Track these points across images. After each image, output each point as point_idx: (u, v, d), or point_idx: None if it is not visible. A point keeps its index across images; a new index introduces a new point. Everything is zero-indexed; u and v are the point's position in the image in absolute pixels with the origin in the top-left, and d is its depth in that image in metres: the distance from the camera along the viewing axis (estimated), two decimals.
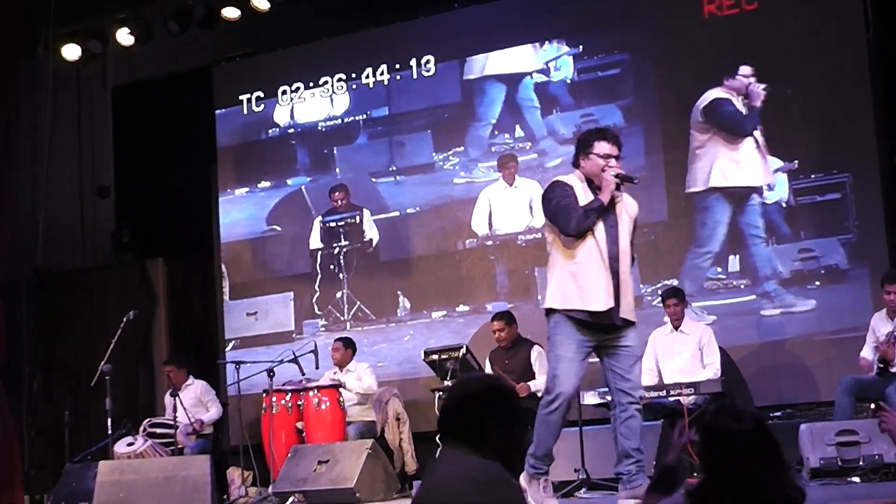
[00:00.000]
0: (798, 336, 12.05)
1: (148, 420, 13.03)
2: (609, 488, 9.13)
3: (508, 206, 13.95)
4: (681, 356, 11.29)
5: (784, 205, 12.29)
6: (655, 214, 12.57)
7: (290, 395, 12.26)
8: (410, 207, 14.47)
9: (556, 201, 8.02)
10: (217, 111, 15.12)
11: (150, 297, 15.26)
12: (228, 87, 15.09)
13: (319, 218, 14.87)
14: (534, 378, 11.67)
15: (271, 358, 12.78)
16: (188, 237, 15.37)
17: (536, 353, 11.84)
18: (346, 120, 14.78)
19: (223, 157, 15.11)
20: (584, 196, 8.02)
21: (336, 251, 14.80)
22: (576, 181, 8.11)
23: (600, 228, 7.95)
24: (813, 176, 12.22)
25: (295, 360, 12.54)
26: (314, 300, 14.84)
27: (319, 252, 14.86)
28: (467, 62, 14.14)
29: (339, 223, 14.81)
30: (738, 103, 12.56)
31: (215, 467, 9.45)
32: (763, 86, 12.45)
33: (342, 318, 14.60)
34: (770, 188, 12.35)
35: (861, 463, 9.08)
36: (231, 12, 13.98)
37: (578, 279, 7.96)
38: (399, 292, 14.40)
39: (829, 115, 12.28)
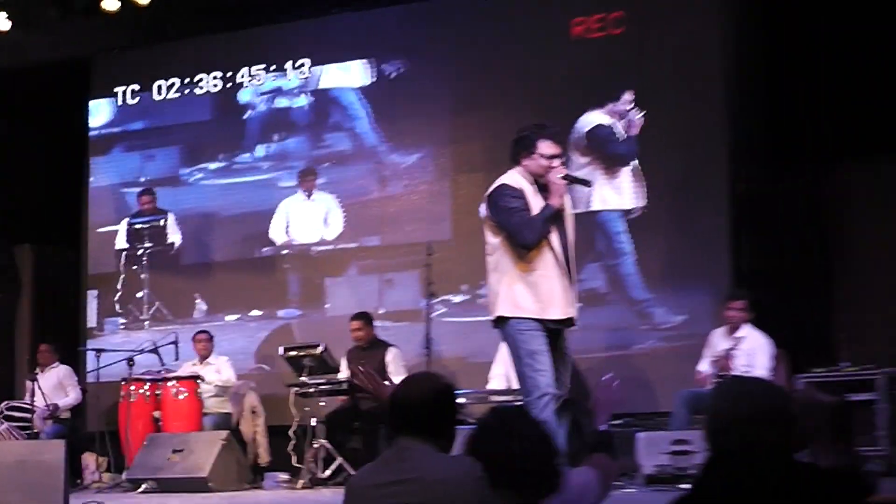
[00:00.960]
0: (639, 349, 12.37)
1: (5, 403, 13.03)
2: None
3: (305, 218, 14.24)
4: (515, 364, 11.48)
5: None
6: None
7: (148, 384, 12.29)
8: (215, 212, 14.70)
9: (509, 212, 7.78)
10: (90, 100, 15.20)
11: (14, 283, 15.21)
12: (105, 79, 15.16)
13: (126, 219, 15.07)
14: (388, 379, 11.59)
15: (132, 347, 12.95)
16: (56, 227, 15.33)
17: (392, 355, 12.05)
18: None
19: (94, 148, 15.18)
20: (532, 198, 7.84)
21: (139, 252, 14.98)
22: (522, 182, 7.88)
23: (553, 234, 7.85)
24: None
25: (155, 351, 12.73)
26: (116, 298, 15.00)
27: (124, 252, 15.05)
28: (291, 72, 14.50)
29: (145, 225, 14.98)
30: (620, 129, 12.72)
31: (71, 452, 9.08)
32: (641, 114, 12.64)
33: (141, 317, 14.77)
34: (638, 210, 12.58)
35: (693, 471, 9.03)
36: (112, 3, 13.81)
37: (536, 288, 7.83)
38: (196, 295, 14.59)
39: (686, 141, 12.52)
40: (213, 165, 14.86)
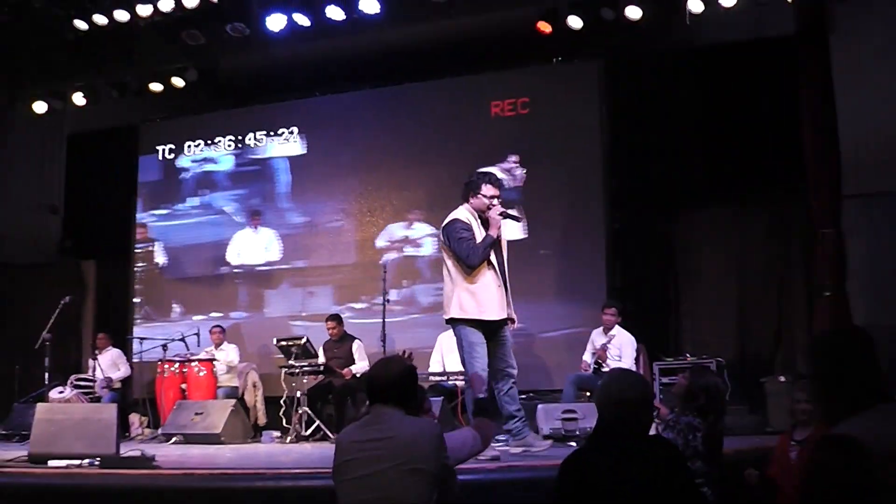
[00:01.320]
0: (542, 344, 12.17)
1: (74, 376, 12.88)
2: None
3: (252, 245, 14.06)
4: (459, 352, 11.26)
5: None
6: None
7: (177, 364, 12.15)
8: (190, 241, 14.47)
9: (459, 241, 7.74)
10: (140, 156, 14.90)
11: (82, 287, 14.89)
12: (149, 140, 14.85)
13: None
14: (354, 364, 11.72)
15: (165, 337, 12.72)
16: (113, 246, 14.97)
17: (357, 346, 11.88)
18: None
19: (142, 190, 14.83)
20: (475, 227, 7.84)
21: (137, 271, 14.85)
22: (468, 216, 7.87)
23: (492, 255, 7.86)
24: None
25: (182, 340, 12.57)
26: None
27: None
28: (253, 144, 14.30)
29: (139, 250, 14.83)
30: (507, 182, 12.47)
31: (121, 413, 9.13)
32: (523, 170, 12.58)
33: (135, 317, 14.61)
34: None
35: (577, 433, 9.14)
36: (156, 87, 13.93)
37: (477, 296, 7.82)
38: (173, 300, 14.38)
39: (571, 191, 12.42)
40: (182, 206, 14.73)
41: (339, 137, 13.62)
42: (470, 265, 7.77)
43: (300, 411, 11.27)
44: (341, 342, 11.93)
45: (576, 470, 3.92)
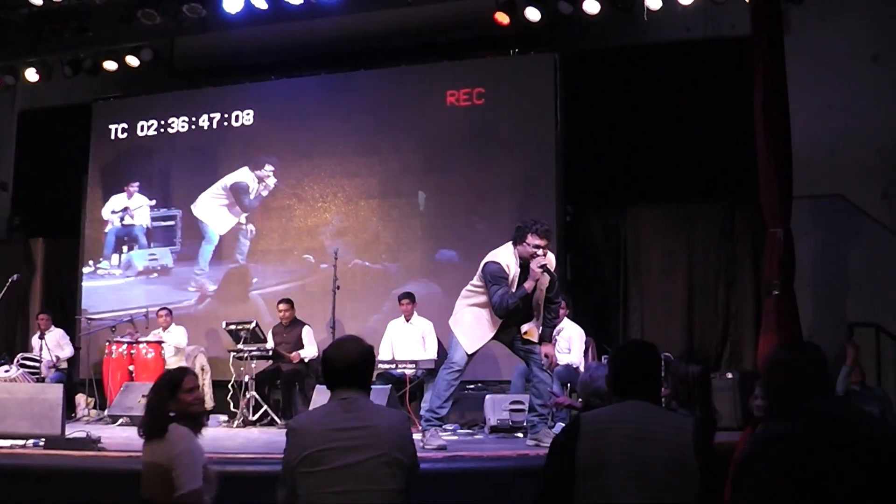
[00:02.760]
0: None
1: (21, 354, 12.69)
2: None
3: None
4: (409, 341, 11.28)
5: None
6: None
7: (125, 345, 11.94)
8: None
9: (496, 284, 7.86)
10: (92, 135, 14.59)
11: (30, 265, 14.68)
12: (102, 118, 14.56)
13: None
14: (303, 348, 11.65)
15: (114, 318, 12.66)
16: (62, 223, 14.75)
17: (306, 331, 11.81)
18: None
19: (93, 170, 14.54)
20: (512, 273, 7.93)
21: None
22: (511, 259, 7.93)
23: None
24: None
25: (131, 321, 12.41)
26: None
27: None
28: None
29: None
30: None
31: (67, 394, 9.02)
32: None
33: None
34: None
35: (525, 424, 9.00)
36: (110, 65, 13.81)
37: (475, 320, 8.03)
38: None
39: (524, 183, 12.36)
40: None
41: (292, 122, 13.47)
42: (495, 311, 7.92)
43: (248, 396, 11.18)
44: (291, 327, 11.83)
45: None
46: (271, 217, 13.55)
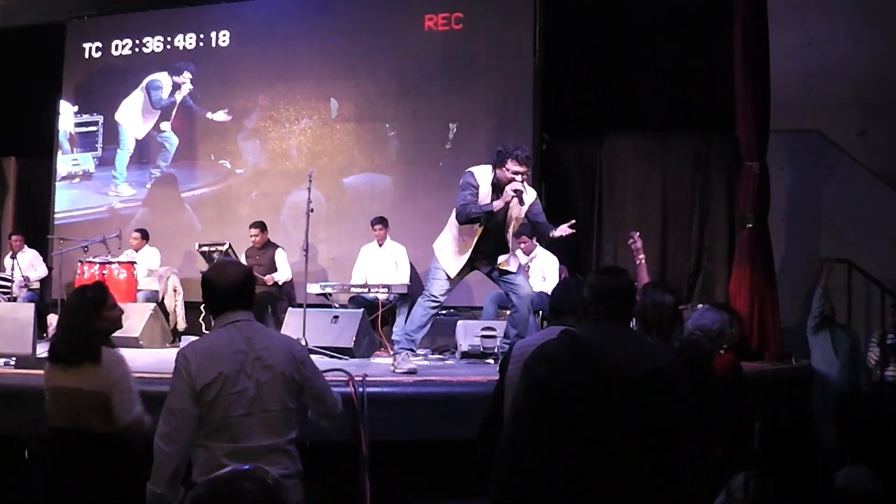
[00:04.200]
0: None
1: None
2: (328, 355, 9.14)
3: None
4: (382, 266, 11.26)
5: None
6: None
7: (98, 265, 11.72)
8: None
9: (461, 193, 7.72)
10: (66, 54, 14.39)
11: (2, 185, 14.55)
12: (76, 37, 14.32)
13: None
14: (276, 271, 11.63)
15: (86, 238, 12.36)
16: (35, 143, 14.55)
17: (279, 254, 11.78)
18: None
19: (66, 89, 14.35)
20: (484, 191, 7.73)
21: None
22: (486, 178, 7.73)
23: (487, 222, 7.79)
24: None
25: (103, 242, 12.14)
26: None
27: None
28: None
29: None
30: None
31: (39, 314, 8.87)
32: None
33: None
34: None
35: (496, 350, 9.15)
36: None
37: (454, 243, 7.90)
38: None
39: (499, 113, 12.29)
40: None
41: (269, 43, 13.30)
42: (456, 217, 7.79)
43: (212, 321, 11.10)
44: (264, 250, 11.78)
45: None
46: (246, 138, 13.44)
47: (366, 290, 10.67)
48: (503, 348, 8.21)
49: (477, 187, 7.74)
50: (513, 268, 8.06)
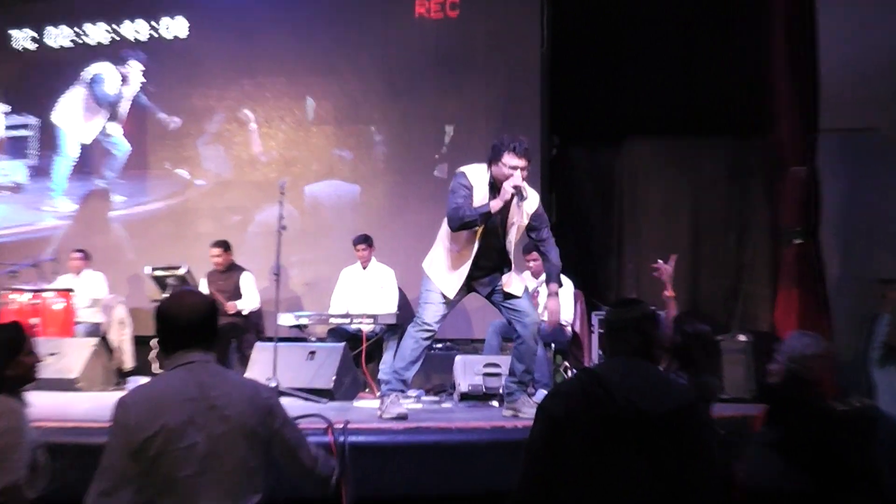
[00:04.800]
0: None
1: None
2: (303, 397, 9.02)
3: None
4: (366, 292, 11.12)
5: None
6: None
7: (29, 293, 11.54)
8: None
9: (453, 195, 7.54)
10: None
11: None
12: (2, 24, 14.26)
13: None
14: (241, 298, 11.54)
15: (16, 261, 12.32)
16: None
17: (246, 278, 11.68)
18: None
19: None
20: (481, 193, 7.57)
21: None
22: (481, 178, 7.60)
23: (486, 230, 7.63)
24: None
25: (36, 265, 12.10)
26: None
27: None
28: None
29: None
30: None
31: None
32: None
33: None
34: None
35: (501, 390, 8.90)
36: None
37: (448, 259, 7.77)
38: None
39: (501, 114, 12.28)
40: None
41: (232, 33, 13.24)
42: (449, 225, 7.60)
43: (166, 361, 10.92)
44: (227, 273, 11.68)
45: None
46: (207, 144, 13.35)
47: (347, 320, 10.56)
48: (510, 388, 8.01)
49: (471, 189, 7.61)
50: (516, 290, 7.90)
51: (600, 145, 12.53)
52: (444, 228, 7.73)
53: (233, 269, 11.69)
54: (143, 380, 10.90)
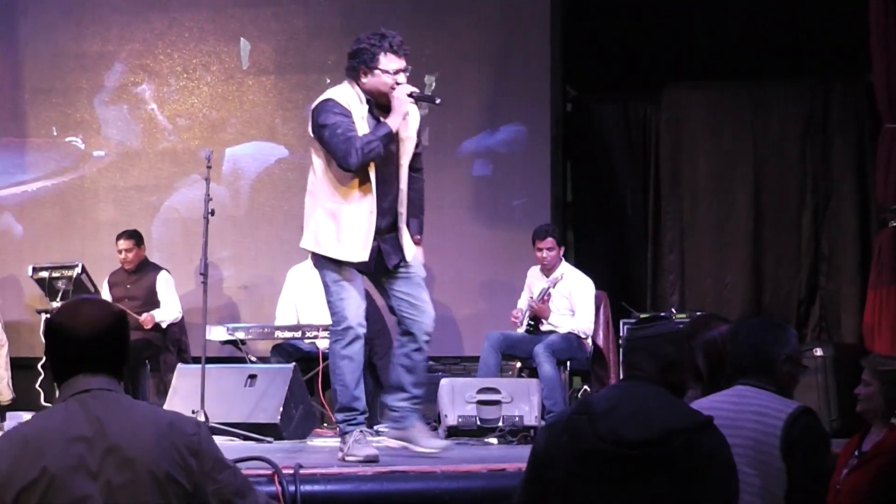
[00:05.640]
0: (447, 286, 12.10)
1: None
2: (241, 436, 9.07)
3: None
4: (320, 296, 11.07)
5: None
6: None
7: None
8: None
9: (331, 129, 7.45)
10: None
11: None
12: None
13: None
14: (158, 306, 11.60)
15: None
16: None
17: (163, 279, 11.77)
18: None
19: None
20: (362, 120, 7.57)
21: None
22: (354, 99, 7.61)
23: (382, 163, 7.62)
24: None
25: None
26: None
27: None
28: None
29: None
30: None
31: None
32: None
33: None
34: None
35: (500, 423, 9.16)
36: None
37: (339, 221, 7.66)
38: None
39: (503, 57, 12.41)
40: None
41: None
42: (345, 167, 7.51)
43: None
44: (138, 275, 11.75)
45: None
46: (107, 104, 13.35)
47: (298, 333, 10.65)
48: (397, 408, 7.98)
49: (349, 114, 7.58)
50: (420, 271, 8.03)
51: (631, 96, 12.66)
52: (325, 186, 7.68)
53: (145, 269, 11.77)
54: (28, 415, 11.01)
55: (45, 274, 11.51)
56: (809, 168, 11.97)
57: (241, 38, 13.03)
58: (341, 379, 7.76)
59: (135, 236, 11.77)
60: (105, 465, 3.89)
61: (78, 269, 11.44)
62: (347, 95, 7.62)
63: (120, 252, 11.71)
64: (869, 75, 10.23)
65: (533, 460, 4.35)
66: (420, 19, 12.47)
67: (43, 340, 9.87)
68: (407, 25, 12.27)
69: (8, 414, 10.92)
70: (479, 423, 9.32)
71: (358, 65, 7.58)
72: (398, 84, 7.51)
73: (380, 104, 7.63)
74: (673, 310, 11.13)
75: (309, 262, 11.04)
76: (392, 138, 7.54)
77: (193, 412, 9.07)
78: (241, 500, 4.19)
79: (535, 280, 10.78)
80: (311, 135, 7.69)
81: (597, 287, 10.75)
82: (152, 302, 11.59)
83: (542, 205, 11.94)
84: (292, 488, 6.18)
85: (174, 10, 13.16)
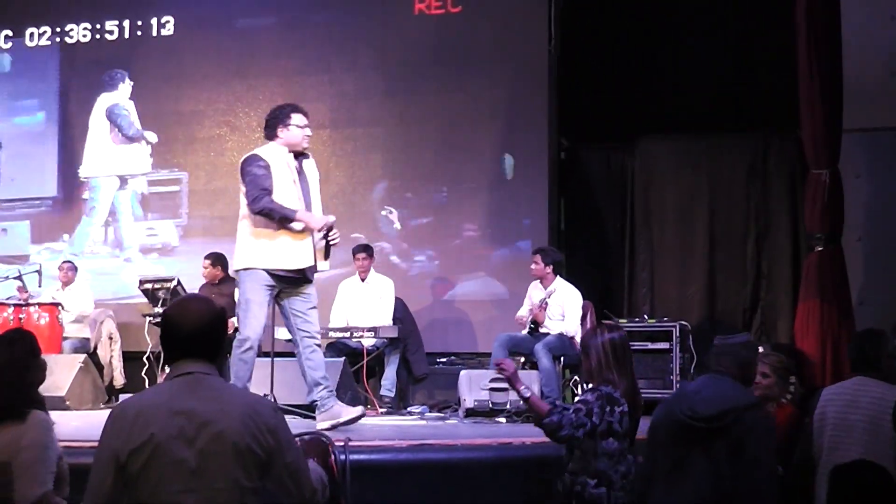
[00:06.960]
0: (465, 296, 12.17)
1: None
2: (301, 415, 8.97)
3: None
4: (365, 304, 11.17)
5: None
6: None
7: (12, 308, 11.61)
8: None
9: (250, 177, 7.78)
10: None
11: None
12: None
13: None
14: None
15: None
16: None
17: None
18: None
19: None
20: (284, 166, 7.88)
21: None
22: (275, 154, 7.90)
23: (296, 197, 7.89)
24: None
25: (19, 278, 12.15)
26: None
27: None
28: None
29: None
30: None
31: None
32: None
33: None
34: None
35: (508, 406, 9.17)
36: None
37: (271, 242, 7.86)
38: None
39: (507, 115, 12.36)
40: None
41: (222, 32, 13.38)
42: (253, 209, 7.80)
43: (167, 370, 11.00)
44: (220, 286, 11.66)
45: None
46: (196, 150, 13.44)
47: (348, 334, 10.62)
48: (319, 398, 8.06)
49: (267, 166, 7.85)
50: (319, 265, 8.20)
51: (612, 146, 12.61)
52: (248, 218, 7.93)
53: (226, 283, 11.65)
54: None
55: (149, 285, 11.61)
56: (753, 203, 11.95)
57: (302, 101, 12.98)
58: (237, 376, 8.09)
59: (211, 257, 11.76)
60: (200, 435, 3.91)
61: (174, 282, 11.53)
62: (272, 150, 7.97)
63: (204, 269, 11.74)
64: (799, 130, 10.23)
65: (650, 429, 5.44)
66: (446, 80, 12.46)
67: (148, 339, 10.08)
68: (435, 85, 12.47)
69: (121, 396, 10.98)
70: (491, 406, 9.35)
71: (273, 124, 8.00)
72: (306, 136, 8.06)
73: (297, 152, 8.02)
74: (645, 315, 11.18)
75: (356, 277, 11.19)
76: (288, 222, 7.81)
77: (265, 395, 9.14)
78: (299, 476, 4.20)
79: (534, 291, 10.70)
80: (242, 180, 7.94)
81: (584, 298, 10.65)
82: (232, 308, 11.17)
83: (541, 232, 11.87)
84: (342, 457, 6.16)
85: (251, 78, 13.23)
